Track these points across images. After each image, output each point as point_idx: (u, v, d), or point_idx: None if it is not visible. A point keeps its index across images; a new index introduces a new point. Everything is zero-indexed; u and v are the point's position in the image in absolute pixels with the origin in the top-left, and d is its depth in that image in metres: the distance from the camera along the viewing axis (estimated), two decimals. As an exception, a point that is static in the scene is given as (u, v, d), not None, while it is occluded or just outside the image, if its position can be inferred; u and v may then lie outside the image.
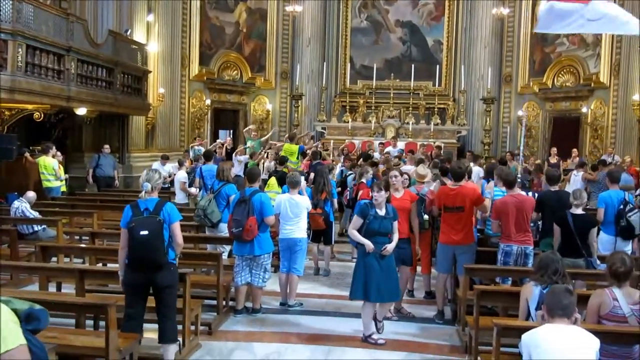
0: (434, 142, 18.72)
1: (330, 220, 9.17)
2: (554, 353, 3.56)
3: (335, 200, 9.55)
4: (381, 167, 11.60)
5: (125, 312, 5.14)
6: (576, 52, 19.94)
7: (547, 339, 3.63)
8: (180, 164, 12.01)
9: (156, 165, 12.75)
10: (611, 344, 4.24)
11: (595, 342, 3.64)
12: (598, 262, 6.59)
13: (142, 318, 5.26)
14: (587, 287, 6.27)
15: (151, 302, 5.29)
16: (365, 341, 6.29)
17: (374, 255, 6.15)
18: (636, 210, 7.67)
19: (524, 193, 7.03)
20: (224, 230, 7.86)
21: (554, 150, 16.76)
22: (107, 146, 14.19)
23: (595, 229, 6.89)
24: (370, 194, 6.49)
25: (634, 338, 4.34)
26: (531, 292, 4.76)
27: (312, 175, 10.87)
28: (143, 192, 5.18)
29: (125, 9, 16.50)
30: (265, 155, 13.81)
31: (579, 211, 6.71)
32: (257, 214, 6.80)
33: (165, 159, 13.53)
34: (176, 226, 5.22)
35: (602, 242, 7.66)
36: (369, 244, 6.09)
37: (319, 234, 9.15)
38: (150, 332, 5.48)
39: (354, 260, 9.55)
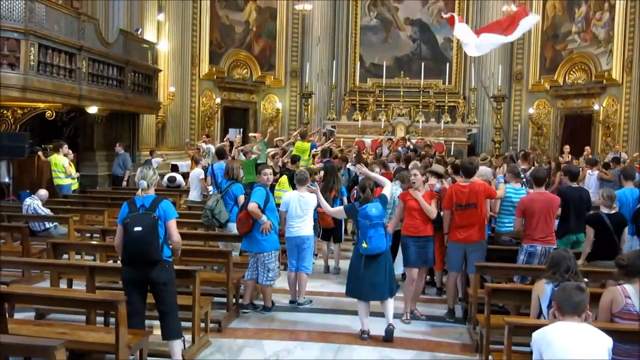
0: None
1: (340, 218, 9.14)
2: (564, 351, 3.52)
3: (345, 198, 9.52)
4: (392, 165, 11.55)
5: (126, 309, 5.14)
6: (588, 49, 19.80)
7: (557, 337, 3.59)
8: (197, 162, 12.09)
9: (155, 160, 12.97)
10: (624, 342, 4.20)
11: (607, 341, 3.60)
12: None
13: (142, 315, 5.26)
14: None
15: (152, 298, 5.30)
16: (360, 337, 6.31)
17: (361, 254, 6.21)
18: None
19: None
20: (233, 229, 7.83)
21: (567, 148, 16.65)
22: (118, 145, 14.27)
23: (627, 229, 6.73)
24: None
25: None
26: (543, 289, 4.72)
27: (321, 173, 10.84)
28: (140, 190, 5.18)
29: (136, 8, 16.56)
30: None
31: (612, 211, 6.55)
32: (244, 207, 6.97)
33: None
34: (172, 224, 5.21)
35: None
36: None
37: (329, 232, 9.15)
38: (159, 329, 5.49)
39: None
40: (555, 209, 6.72)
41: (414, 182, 7.09)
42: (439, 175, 8.06)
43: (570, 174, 7.95)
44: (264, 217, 6.89)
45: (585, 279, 5.05)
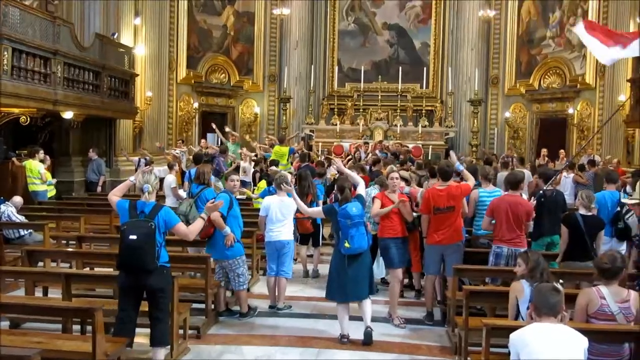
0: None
1: (318, 222, 9.17)
2: (541, 352, 3.57)
3: (321, 202, 9.52)
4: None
5: (117, 315, 5.10)
6: (562, 53, 20.09)
7: (534, 338, 3.64)
8: (170, 168, 11.91)
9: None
10: (601, 342, 4.25)
11: (583, 341, 3.65)
12: None
13: (134, 322, 5.23)
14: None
15: (143, 305, 5.26)
16: (340, 341, 6.32)
17: (342, 254, 6.23)
18: (632, 212, 7.69)
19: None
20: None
21: (545, 151, 16.86)
22: (91, 151, 14.13)
23: (603, 232, 6.79)
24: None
25: (623, 336, 4.36)
26: (522, 291, 4.77)
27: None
28: (146, 194, 5.16)
29: (112, 12, 16.40)
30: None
31: (588, 212, 6.61)
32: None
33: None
34: (178, 228, 5.27)
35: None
36: None
37: (307, 236, 9.16)
38: (141, 337, 5.45)
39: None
40: (523, 213, 6.73)
41: (394, 185, 7.19)
42: (406, 180, 8.18)
43: (544, 177, 8.05)
44: (227, 229, 6.78)
45: (561, 280, 5.13)
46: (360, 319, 6.44)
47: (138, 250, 4.95)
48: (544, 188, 7.81)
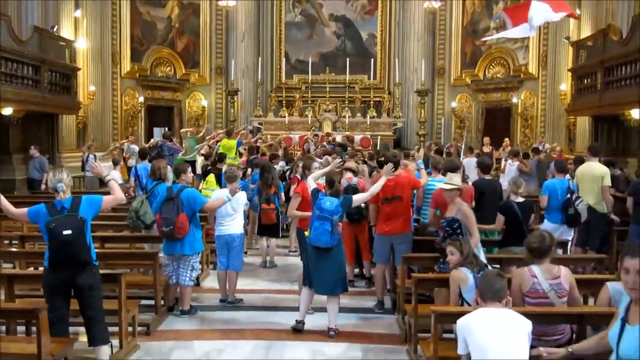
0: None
1: (278, 214, 9.22)
2: (487, 337, 3.65)
3: (282, 194, 9.59)
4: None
5: (48, 317, 4.92)
6: (505, 44, 20.48)
7: (480, 324, 3.71)
8: (115, 163, 11.67)
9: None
10: (541, 324, 4.36)
11: (527, 325, 3.74)
12: None
13: (67, 321, 5.09)
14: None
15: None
16: (295, 327, 6.37)
17: (311, 246, 6.28)
18: (581, 199, 7.95)
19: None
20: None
21: (487, 140, 17.21)
22: (32, 148, 13.70)
23: (533, 215, 7.14)
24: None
25: (564, 318, 4.49)
26: (465, 278, 4.87)
27: (249, 170, 10.80)
28: (61, 193, 5.00)
29: (50, 5, 15.95)
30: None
31: (520, 199, 7.00)
32: (186, 211, 6.69)
33: None
34: (105, 201, 5.20)
35: (546, 229, 7.76)
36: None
37: (268, 227, 9.19)
38: (85, 335, 5.33)
39: (291, 254, 9.69)
40: (468, 199, 7.00)
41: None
42: (353, 171, 8.26)
43: (482, 165, 8.24)
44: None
45: (497, 265, 5.29)
46: (323, 309, 6.47)
47: (73, 244, 4.82)
48: (482, 177, 8.07)
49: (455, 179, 6.27)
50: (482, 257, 5.79)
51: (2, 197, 5.20)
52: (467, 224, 5.96)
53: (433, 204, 6.94)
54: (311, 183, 6.62)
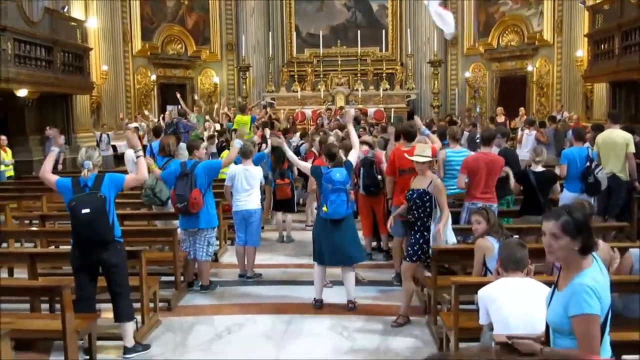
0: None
1: (294, 189, 9.26)
2: (509, 305, 3.63)
3: (296, 169, 9.61)
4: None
5: (75, 294, 5.00)
6: (519, 11, 20.19)
7: (502, 293, 3.70)
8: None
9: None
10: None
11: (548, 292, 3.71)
12: None
13: (93, 299, 5.17)
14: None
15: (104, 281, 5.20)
16: (313, 305, 6.37)
17: (320, 220, 6.30)
18: (601, 166, 7.84)
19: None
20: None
21: (500, 109, 17.03)
22: (48, 129, 13.76)
23: (558, 185, 7.00)
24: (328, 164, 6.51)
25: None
26: (491, 247, 4.82)
27: (263, 145, 10.79)
28: (85, 171, 5.03)
29: (60, -15, 15.91)
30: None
31: (539, 168, 6.86)
32: (200, 185, 6.69)
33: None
34: (127, 179, 5.25)
35: (565, 199, 7.59)
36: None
37: (283, 202, 9.20)
38: (109, 312, 5.40)
39: (307, 228, 9.70)
40: (498, 169, 6.86)
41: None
42: (369, 144, 8.23)
43: (502, 135, 8.17)
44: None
45: (516, 235, 5.26)
46: (342, 283, 6.48)
47: (94, 224, 4.86)
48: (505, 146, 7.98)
49: (427, 151, 6.08)
50: (451, 235, 5.77)
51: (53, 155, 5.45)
52: (438, 198, 5.76)
53: (463, 170, 6.82)
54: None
